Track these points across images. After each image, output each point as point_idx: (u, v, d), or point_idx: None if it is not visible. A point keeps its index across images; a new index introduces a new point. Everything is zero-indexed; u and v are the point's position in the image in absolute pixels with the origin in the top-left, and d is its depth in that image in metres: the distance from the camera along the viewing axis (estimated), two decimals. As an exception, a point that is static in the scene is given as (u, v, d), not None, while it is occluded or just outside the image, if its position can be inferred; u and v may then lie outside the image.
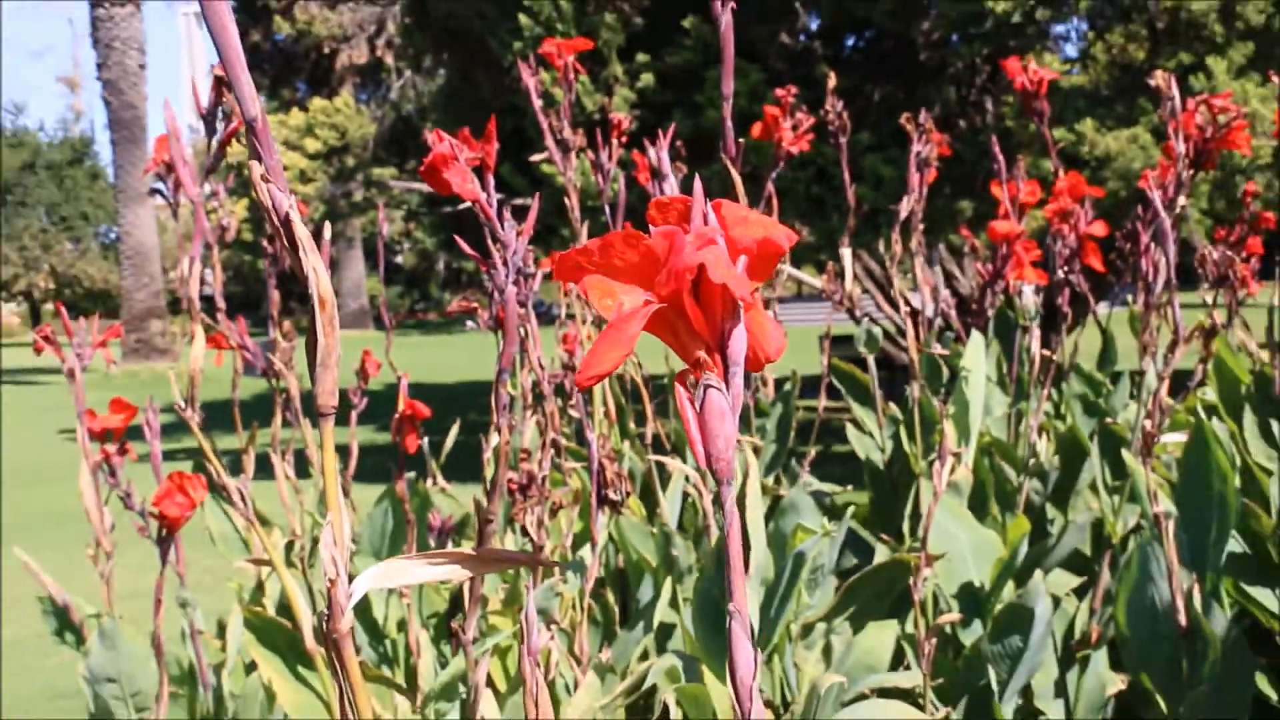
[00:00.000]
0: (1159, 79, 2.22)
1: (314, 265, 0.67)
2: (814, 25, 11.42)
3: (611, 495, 1.84)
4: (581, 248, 0.58)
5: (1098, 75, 9.21)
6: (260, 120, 0.71)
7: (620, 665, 1.93)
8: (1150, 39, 9.24)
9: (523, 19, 10.13)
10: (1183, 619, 1.69)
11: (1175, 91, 2.19)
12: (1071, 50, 10.32)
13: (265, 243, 2.73)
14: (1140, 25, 9.26)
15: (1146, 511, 1.93)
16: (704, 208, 0.58)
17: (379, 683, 1.67)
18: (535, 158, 2.45)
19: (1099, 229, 2.47)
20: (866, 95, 10.35)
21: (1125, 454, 2.14)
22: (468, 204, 2.63)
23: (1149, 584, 1.80)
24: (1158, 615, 1.79)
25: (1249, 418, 2.27)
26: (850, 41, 11.21)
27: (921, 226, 2.89)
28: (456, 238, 1.47)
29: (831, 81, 2.84)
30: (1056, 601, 2.16)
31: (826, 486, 2.70)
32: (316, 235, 0.75)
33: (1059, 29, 10.25)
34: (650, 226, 0.61)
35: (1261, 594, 1.90)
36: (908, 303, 3.47)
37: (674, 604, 2.04)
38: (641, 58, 10.49)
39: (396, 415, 2.33)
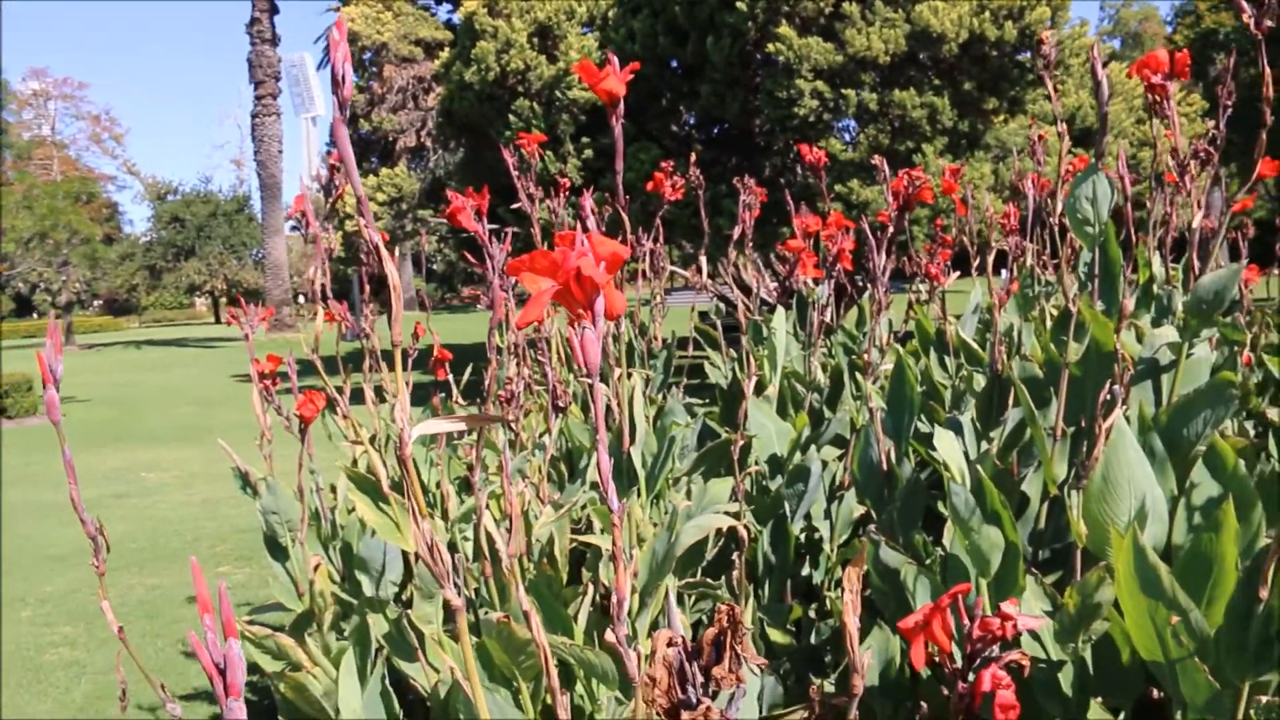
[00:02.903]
0: (878, 161, 2.31)
1: (390, 269, 0.76)
2: (692, 119, 11.47)
3: (560, 405, 1.94)
4: (519, 258, 0.70)
5: (862, 153, 9.32)
6: (361, 193, 0.80)
7: (567, 503, 2.00)
8: (891, 132, 9.36)
9: (511, 118, 10.13)
10: (884, 467, 1.78)
11: (886, 169, 2.28)
12: (848, 136, 10.41)
13: (362, 256, 2.79)
14: (886, 124, 9.38)
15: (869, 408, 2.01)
16: (582, 237, 0.69)
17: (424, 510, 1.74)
18: (514, 206, 2.51)
19: (849, 245, 2.55)
20: (724, 162, 10.42)
21: (859, 376, 2.23)
22: (493, 230, 2.72)
23: (869, 448, 1.86)
24: (874, 466, 1.86)
25: (933, 355, 2.36)
26: (715, 130, 11.25)
27: (751, 244, 2.97)
28: (466, 253, 1.57)
29: (694, 157, 2.90)
30: (825, 463, 2.16)
31: (693, 401, 2.79)
32: (390, 251, 0.84)
33: (841, 124, 10.34)
34: (558, 245, 0.72)
35: (933, 453, 1.95)
36: (746, 290, 3.56)
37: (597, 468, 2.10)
38: (585, 139, 10.54)
39: (432, 358, 2.43)
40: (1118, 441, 1.37)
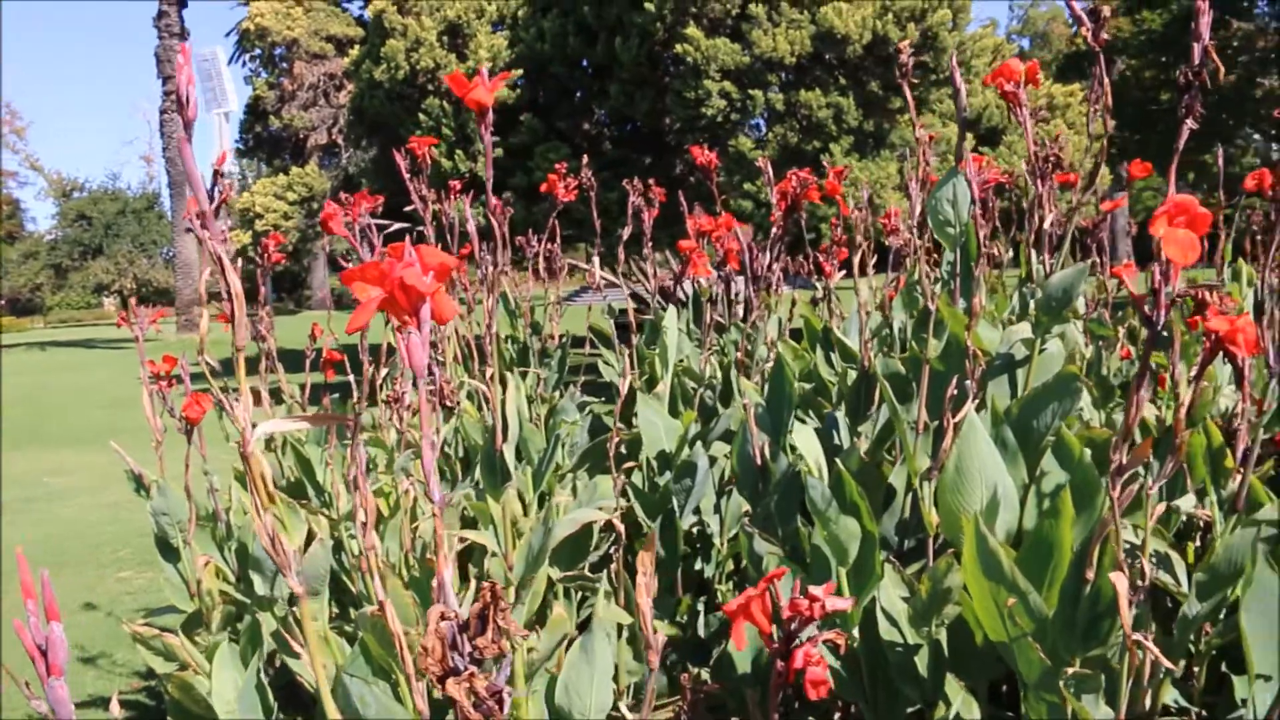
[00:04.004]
0: (761, 162, 2.37)
1: (232, 280, 0.79)
2: (605, 118, 11.52)
3: (448, 404, 1.97)
4: (354, 268, 0.73)
5: (772, 152, 9.43)
6: (207, 207, 0.83)
7: (456, 500, 2.03)
8: (799, 131, 9.49)
9: (421, 117, 10.09)
10: (758, 461, 1.83)
11: (769, 170, 2.34)
12: (759, 135, 10.52)
13: (256, 258, 2.79)
14: (794, 124, 9.51)
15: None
16: (410, 249, 0.73)
17: (301, 504, 1.77)
18: (407, 209, 2.53)
19: (735, 245, 2.59)
20: (634, 161, 10.49)
21: (736, 374, 2.27)
22: (391, 230, 2.74)
23: (747, 444, 1.92)
24: (750, 461, 1.90)
25: (819, 351, 2.42)
26: (626, 129, 11.30)
27: (651, 244, 3.01)
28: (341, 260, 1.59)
29: (585, 159, 2.94)
30: (715, 459, 2.21)
31: (591, 399, 2.83)
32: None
33: (751, 123, 10.45)
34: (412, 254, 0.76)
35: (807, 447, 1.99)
36: (663, 290, 3.61)
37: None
38: (495, 138, 10.57)
39: (323, 359, 2.46)
40: (969, 434, 1.44)
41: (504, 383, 1.65)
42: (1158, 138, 19.04)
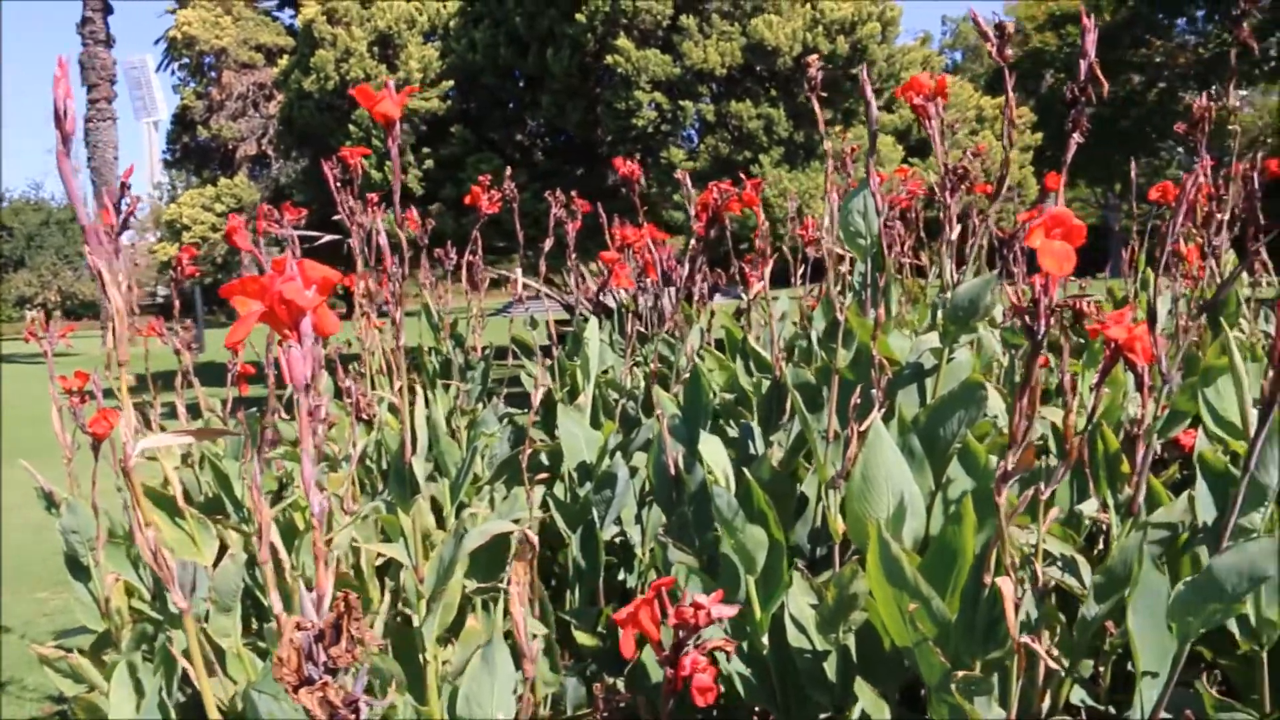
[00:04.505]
0: (680, 175, 2.39)
1: (115, 296, 0.79)
2: (541, 128, 11.52)
3: (364, 417, 1.97)
4: (234, 281, 0.74)
5: (704, 163, 9.49)
6: (86, 222, 0.82)
7: (366, 512, 2.01)
8: (730, 142, 9.56)
9: (351, 128, 10.03)
10: (672, 472, 1.85)
11: (688, 182, 2.37)
12: (692, 146, 10.57)
13: (172, 271, 2.76)
14: (725, 134, 9.59)
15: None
16: (292, 262, 0.74)
17: (216, 519, 1.76)
18: (335, 218, 2.52)
19: (651, 258, 2.60)
20: (567, 172, 10.51)
21: (652, 385, 2.29)
22: (320, 241, 2.72)
23: (662, 454, 1.94)
24: (665, 471, 1.91)
25: (739, 362, 2.44)
26: (560, 138, 11.31)
27: (576, 256, 3.02)
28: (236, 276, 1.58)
29: (509, 171, 2.94)
30: (636, 469, 2.21)
31: (515, 410, 2.82)
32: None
33: (684, 134, 10.52)
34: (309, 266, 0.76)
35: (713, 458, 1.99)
36: (598, 302, 3.60)
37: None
38: (426, 150, 10.51)
39: (237, 373, 2.43)
40: (874, 443, 1.46)
41: (416, 395, 1.65)
42: (1086, 149, 19.41)
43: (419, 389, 1.60)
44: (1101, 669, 1.68)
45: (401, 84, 10.59)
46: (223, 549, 1.87)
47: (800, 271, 3.07)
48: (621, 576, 2.33)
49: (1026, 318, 0.90)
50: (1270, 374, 1.10)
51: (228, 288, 0.74)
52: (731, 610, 0.82)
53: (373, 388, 2.70)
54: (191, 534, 1.74)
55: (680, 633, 0.83)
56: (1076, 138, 1.20)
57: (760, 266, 3.24)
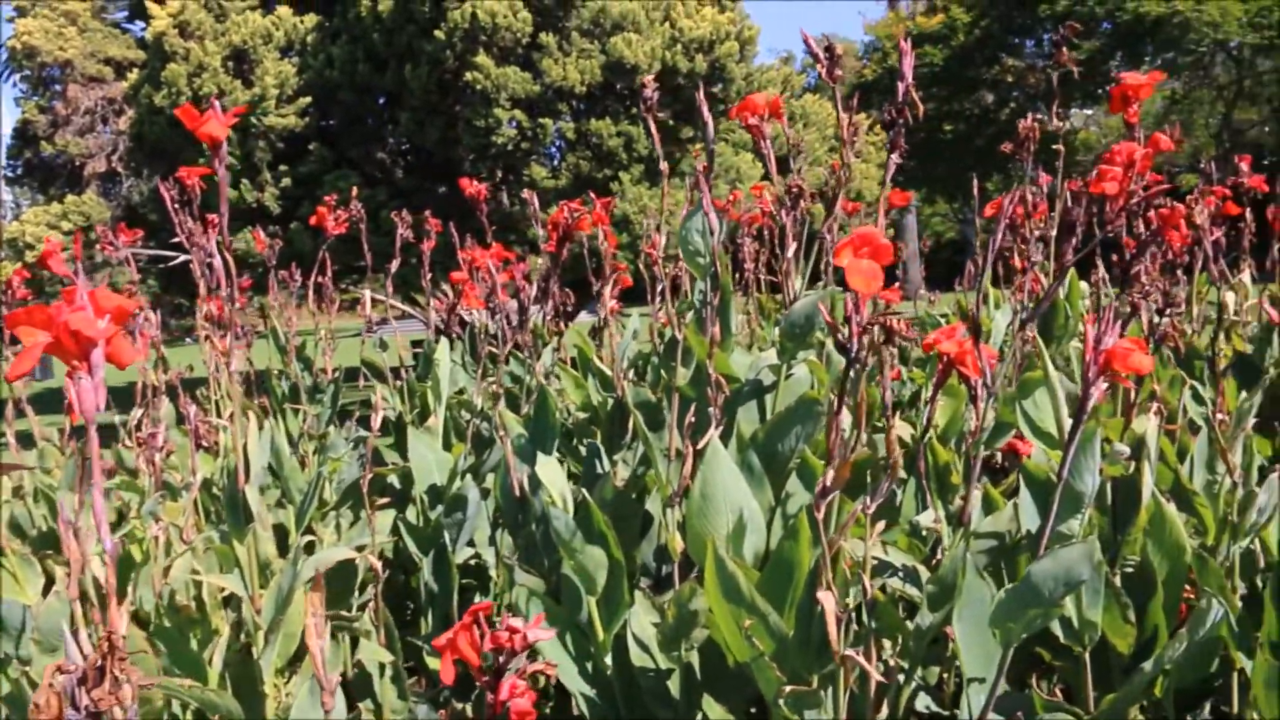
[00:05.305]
0: (527, 194, 2.39)
1: None
2: (404, 146, 11.41)
3: (203, 444, 1.92)
4: (19, 311, 0.71)
5: (566, 181, 9.52)
6: None
7: (197, 542, 1.95)
8: (593, 160, 9.61)
9: (205, 145, 9.79)
10: (517, 492, 1.85)
11: (535, 201, 2.37)
12: (555, 164, 10.56)
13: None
14: (586, 152, 9.64)
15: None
16: (84, 292, 0.72)
17: (45, 555, 1.70)
18: (173, 240, 2.45)
19: (500, 279, 2.60)
20: (428, 190, 10.43)
21: (501, 408, 2.28)
22: (177, 261, 2.63)
23: (507, 476, 1.93)
24: (511, 493, 1.91)
25: (591, 379, 2.44)
26: (421, 156, 11.19)
27: (431, 275, 2.99)
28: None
29: (355, 191, 2.91)
30: (489, 491, 2.18)
31: (366, 433, 2.77)
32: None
33: (548, 151, 10.53)
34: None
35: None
36: (461, 321, 3.57)
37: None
38: (283, 167, 10.32)
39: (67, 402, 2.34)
40: (712, 460, 1.48)
41: (251, 420, 1.62)
42: (943, 167, 20.03)
43: (252, 415, 1.56)
44: (946, 675, 1.73)
45: (257, 100, 10.39)
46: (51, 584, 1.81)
47: (660, 289, 3.09)
48: (478, 599, 2.31)
49: (839, 336, 0.92)
50: (1081, 385, 1.15)
51: (11, 317, 0.71)
52: (548, 634, 0.82)
53: (218, 414, 2.63)
54: (14, 571, 1.68)
55: (500, 657, 0.83)
56: (895, 158, 1.24)
57: (604, 285, 3.26)
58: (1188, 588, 1.59)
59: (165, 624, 1.57)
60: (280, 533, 2.05)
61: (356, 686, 1.90)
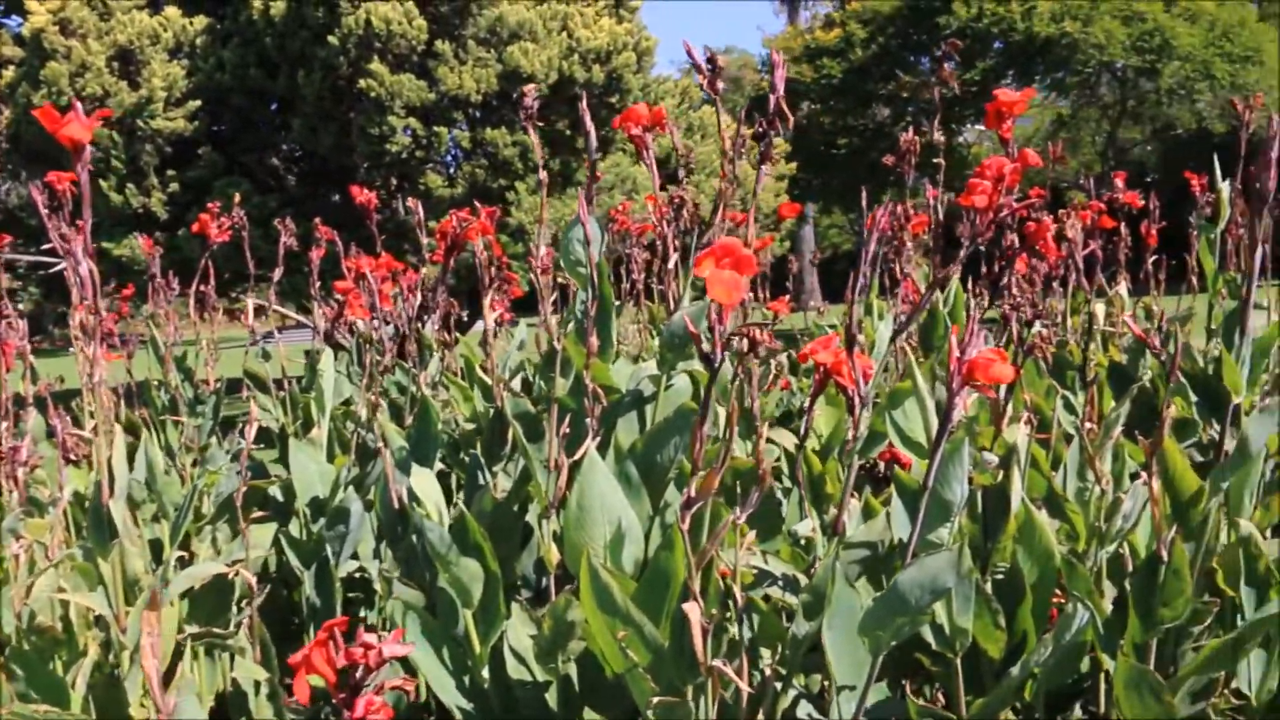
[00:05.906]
0: (413, 203, 2.37)
1: None
2: (298, 152, 11.26)
3: (71, 457, 1.87)
4: None
5: (461, 190, 9.48)
6: None
7: (59, 560, 1.90)
8: (489, 169, 9.60)
9: (89, 148, 9.54)
10: (396, 504, 1.83)
11: (421, 213, 2.35)
12: (451, 173, 10.50)
13: None
14: (482, 161, 9.62)
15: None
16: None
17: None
18: (45, 246, 2.38)
19: (386, 289, 2.58)
20: (321, 197, 10.31)
21: (382, 418, 2.26)
22: (57, 268, 2.56)
23: (386, 488, 1.90)
24: (391, 505, 1.89)
25: (477, 390, 2.42)
26: (314, 163, 11.05)
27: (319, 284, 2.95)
28: None
29: (237, 198, 2.86)
30: (371, 504, 2.13)
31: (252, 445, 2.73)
32: None
33: (445, 160, 10.47)
34: None
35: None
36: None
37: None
38: (171, 172, 10.11)
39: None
40: (588, 471, 1.48)
41: (129, 432, 1.58)
42: (839, 179, 20.37)
43: (118, 427, 1.52)
44: (828, 683, 1.75)
45: (144, 102, 10.16)
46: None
47: (552, 299, 3.09)
48: (364, 613, 2.29)
49: (701, 347, 0.93)
50: (947, 394, 1.17)
51: None
52: (405, 649, 0.81)
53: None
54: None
55: (355, 673, 0.82)
56: (766, 169, 1.25)
57: (486, 294, 3.25)
58: (1058, 593, 1.63)
59: (24, 647, 1.52)
60: (155, 548, 2.00)
61: (232, 704, 1.86)
